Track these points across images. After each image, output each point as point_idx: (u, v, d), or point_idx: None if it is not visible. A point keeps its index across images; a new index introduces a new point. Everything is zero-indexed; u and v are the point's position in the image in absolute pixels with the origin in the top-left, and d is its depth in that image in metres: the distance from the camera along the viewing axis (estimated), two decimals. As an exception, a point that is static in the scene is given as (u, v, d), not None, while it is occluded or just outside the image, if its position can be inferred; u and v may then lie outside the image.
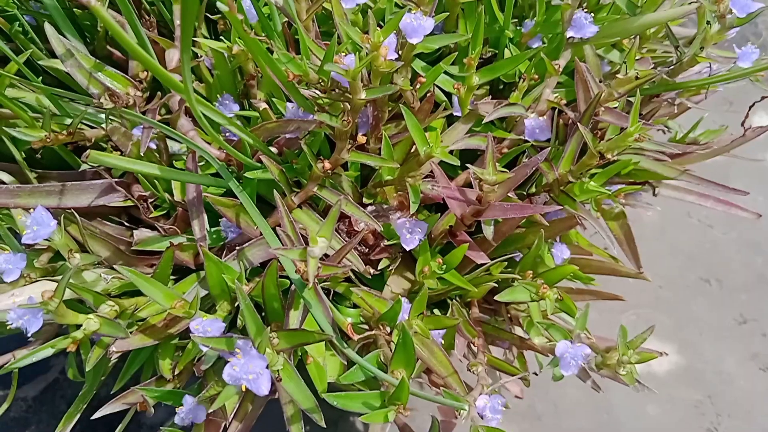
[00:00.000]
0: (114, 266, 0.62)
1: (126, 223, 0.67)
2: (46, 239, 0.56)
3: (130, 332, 0.56)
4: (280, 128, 0.57)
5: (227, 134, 0.65)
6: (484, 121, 0.62)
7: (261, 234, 0.61)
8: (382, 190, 0.63)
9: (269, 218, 0.60)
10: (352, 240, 0.54)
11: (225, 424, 0.61)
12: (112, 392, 0.66)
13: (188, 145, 0.59)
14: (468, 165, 0.58)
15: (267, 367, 0.43)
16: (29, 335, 0.48)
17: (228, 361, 0.47)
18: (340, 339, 0.49)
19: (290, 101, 0.62)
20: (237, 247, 0.61)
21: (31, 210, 0.54)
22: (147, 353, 0.66)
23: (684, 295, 1.20)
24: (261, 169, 0.58)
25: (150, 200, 0.63)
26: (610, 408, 1.08)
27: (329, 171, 0.57)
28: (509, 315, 0.68)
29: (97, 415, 0.59)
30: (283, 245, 0.53)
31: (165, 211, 0.65)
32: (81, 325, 0.52)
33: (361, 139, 0.57)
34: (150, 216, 0.64)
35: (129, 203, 0.65)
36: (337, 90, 0.55)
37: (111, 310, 0.53)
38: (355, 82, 0.52)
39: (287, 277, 0.54)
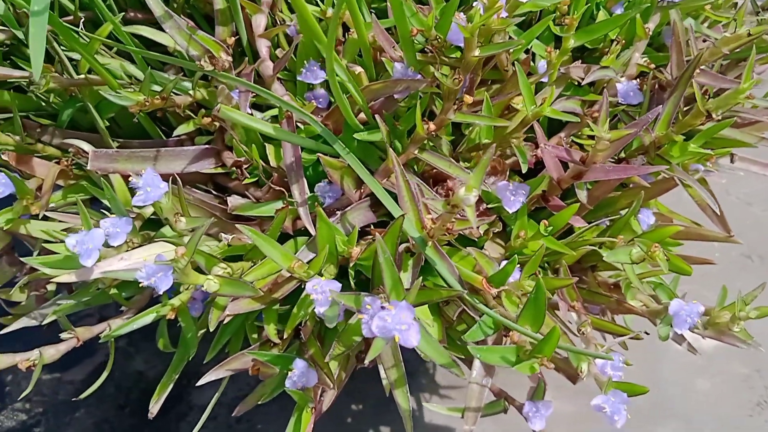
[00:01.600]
0: (209, 233, 0.62)
1: (212, 191, 0.67)
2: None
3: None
4: (388, 89, 0.56)
5: (313, 100, 0.64)
6: (584, 83, 0.62)
7: (360, 198, 0.61)
8: (477, 153, 0.62)
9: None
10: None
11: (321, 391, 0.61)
12: (205, 362, 0.65)
13: (289, 109, 0.58)
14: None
15: (415, 319, 0.43)
16: (160, 293, 0.47)
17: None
18: (470, 295, 0.48)
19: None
20: (338, 212, 0.60)
21: (142, 172, 0.53)
22: (238, 322, 0.65)
23: (727, 272, 1.21)
24: (367, 131, 0.57)
25: (245, 166, 0.62)
26: (660, 383, 1.09)
27: (433, 132, 0.57)
28: (597, 281, 0.68)
29: (201, 381, 0.58)
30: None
31: (255, 179, 0.65)
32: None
33: (468, 98, 0.56)
34: (243, 182, 0.63)
35: (218, 170, 0.65)
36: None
37: (224, 272, 0.53)
38: (473, 38, 0.51)
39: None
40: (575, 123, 0.65)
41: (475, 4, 0.52)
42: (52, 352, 0.57)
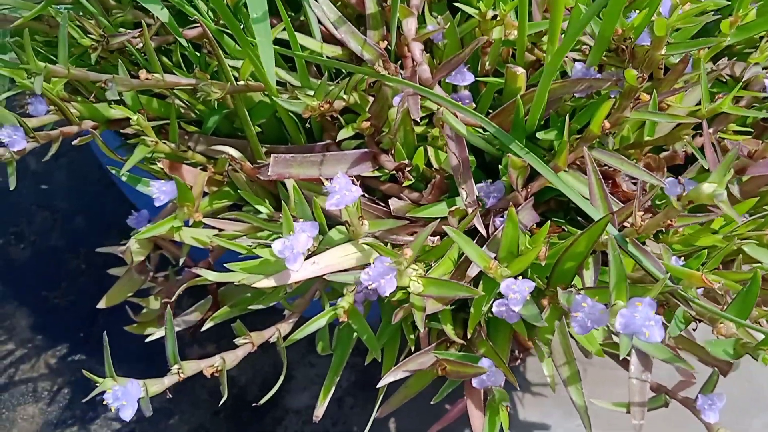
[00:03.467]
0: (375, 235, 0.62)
1: (365, 194, 0.67)
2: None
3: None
4: (566, 89, 0.57)
5: (459, 102, 0.65)
6: (743, 80, 0.63)
7: (527, 197, 0.62)
8: (637, 151, 0.63)
9: (537, 179, 0.61)
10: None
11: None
12: (367, 363, 0.65)
13: (459, 111, 0.59)
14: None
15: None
16: (385, 294, 0.47)
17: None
18: (681, 291, 0.49)
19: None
20: (503, 212, 0.61)
21: (335, 177, 0.53)
22: (397, 325, 0.65)
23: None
24: (543, 131, 0.58)
25: (408, 169, 0.62)
26: (751, 376, 1.10)
27: (608, 131, 0.58)
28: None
29: (381, 383, 0.58)
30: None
31: (410, 182, 0.65)
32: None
33: (645, 97, 0.57)
34: (404, 185, 0.64)
35: (374, 173, 0.65)
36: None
37: (416, 273, 0.53)
38: (664, 36, 0.52)
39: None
40: (723, 118, 0.66)
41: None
42: (232, 358, 0.57)
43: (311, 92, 0.64)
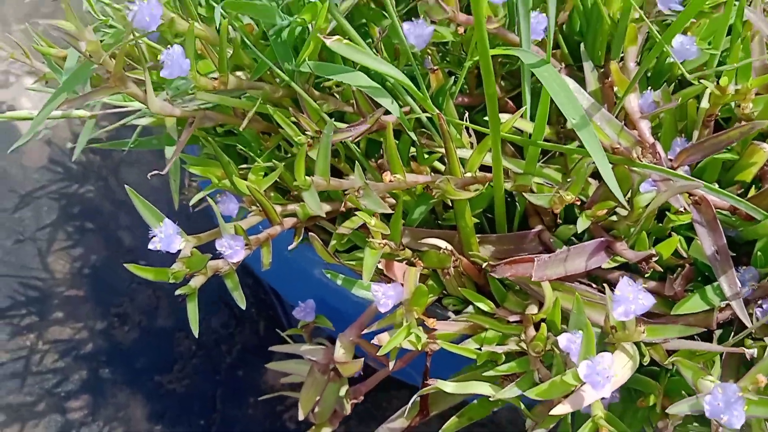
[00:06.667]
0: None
1: (592, 284, 0.62)
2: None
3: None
4: None
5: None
6: None
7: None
8: None
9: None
10: None
11: None
12: None
13: (712, 194, 0.55)
14: None
15: None
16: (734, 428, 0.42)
17: None
18: None
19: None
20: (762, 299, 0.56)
21: (621, 282, 0.48)
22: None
23: None
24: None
25: (654, 259, 0.58)
26: None
27: None
28: None
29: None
30: None
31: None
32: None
33: None
34: (646, 276, 0.59)
35: (609, 264, 0.60)
36: None
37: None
38: None
39: None
40: None
41: None
42: None
43: (538, 179, 0.60)
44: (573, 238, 0.63)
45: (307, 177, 0.52)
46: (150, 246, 0.53)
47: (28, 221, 1.27)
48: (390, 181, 0.53)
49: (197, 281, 0.53)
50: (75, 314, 1.15)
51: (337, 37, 0.50)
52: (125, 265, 0.52)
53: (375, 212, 0.54)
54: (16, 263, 1.22)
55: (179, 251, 0.53)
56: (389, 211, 0.53)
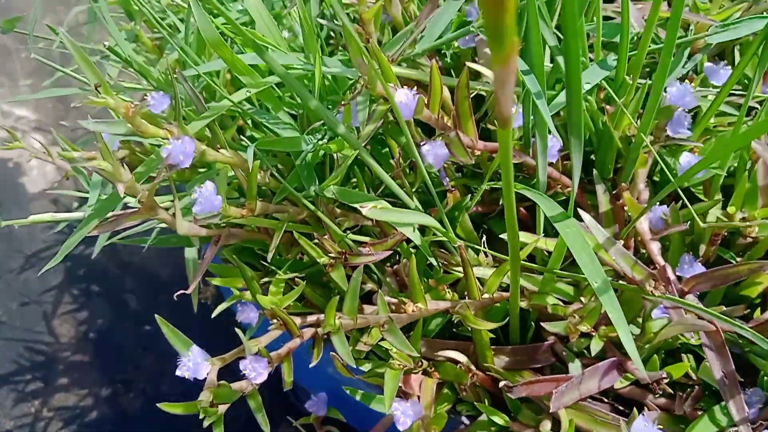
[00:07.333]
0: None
1: (603, 399, 0.64)
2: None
3: None
4: None
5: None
6: None
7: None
8: None
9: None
10: None
11: None
12: None
13: (718, 321, 0.57)
14: None
15: None
16: None
17: None
18: None
19: None
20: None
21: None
22: None
23: None
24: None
25: (665, 381, 0.60)
26: None
27: None
28: None
29: None
30: None
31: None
32: None
33: None
34: (656, 397, 0.61)
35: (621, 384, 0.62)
36: None
37: None
38: None
39: None
40: None
41: None
42: None
43: (551, 298, 0.62)
44: (585, 351, 0.65)
45: (336, 316, 0.53)
46: (178, 372, 0.54)
47: (34, 283, 1.27)
48: (413, 311, 0.55)
49: (223, 408, 0.54)
50: (80, 380, 1.16)
51: (372, 204, 0.52)
52: (158, 405, 0.53)
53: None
54: (20, 326, 1.23)
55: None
56: (415, 354, 0.55)
